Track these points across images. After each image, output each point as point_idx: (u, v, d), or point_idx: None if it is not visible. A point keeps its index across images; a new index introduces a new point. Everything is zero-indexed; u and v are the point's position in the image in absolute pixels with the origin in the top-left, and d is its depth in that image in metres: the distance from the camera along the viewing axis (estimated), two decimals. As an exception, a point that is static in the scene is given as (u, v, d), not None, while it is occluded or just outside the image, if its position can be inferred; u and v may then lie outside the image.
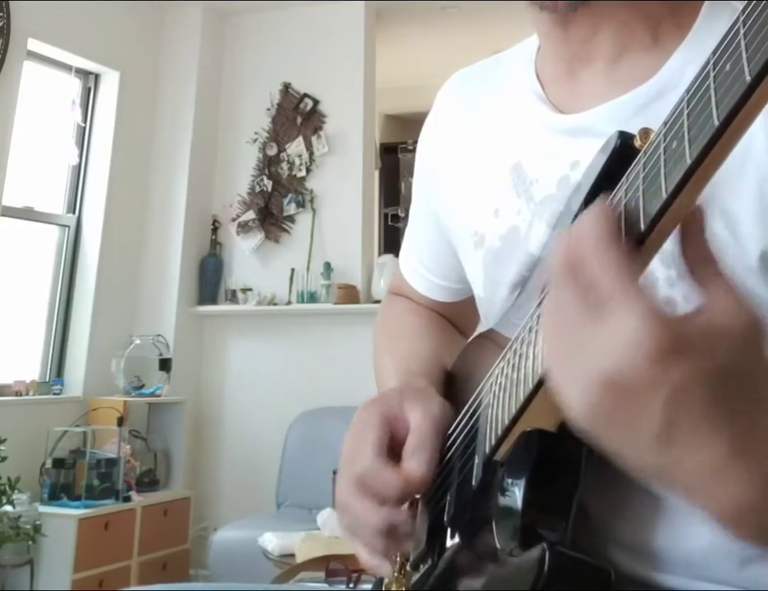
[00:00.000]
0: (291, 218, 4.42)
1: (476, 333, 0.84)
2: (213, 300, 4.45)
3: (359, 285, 4.22)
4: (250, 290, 4.36)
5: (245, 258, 4.46)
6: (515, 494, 0.57)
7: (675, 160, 0.42)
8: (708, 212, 0.43)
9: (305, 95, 4.47)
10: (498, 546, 0.59)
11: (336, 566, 2.63)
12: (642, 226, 0.43)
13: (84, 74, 4.31)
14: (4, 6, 3.71)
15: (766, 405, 0.40)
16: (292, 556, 3.02)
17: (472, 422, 0.67)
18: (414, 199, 0.93)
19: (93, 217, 4.23)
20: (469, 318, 0.92)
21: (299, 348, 4.28)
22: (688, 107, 0.42)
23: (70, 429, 3.79)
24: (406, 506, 0.68)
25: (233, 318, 4.45)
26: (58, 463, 3.65)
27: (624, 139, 0.53)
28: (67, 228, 4.22)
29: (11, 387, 3.77)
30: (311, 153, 4.41)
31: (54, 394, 3.96)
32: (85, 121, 4.29)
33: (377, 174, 5.05)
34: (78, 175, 4.29)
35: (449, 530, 0.67)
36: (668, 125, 0.44)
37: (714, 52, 0.40)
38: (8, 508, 3.32)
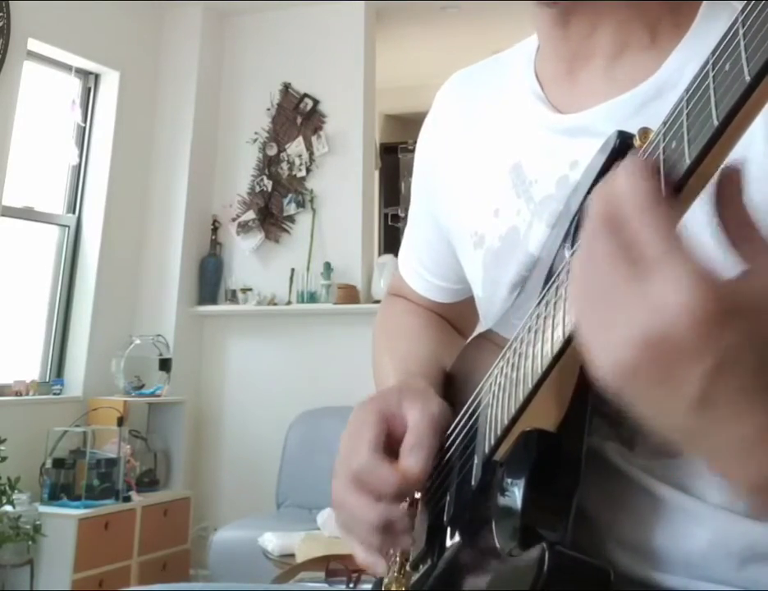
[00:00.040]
0: (291, 218, 4.42)
1: (475, 334, 0.84)
2: (213, 300, 4.45)
3: (359, 285, 4.22)
4: (250, 290, 4.36)
5: (245, 258, 4.46)
6: (515, 494, 0.57)
7: (674, 160, 0.42)
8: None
9: (305, 95, 4.47)
10: (498, 546, 0.58)
11: (335, 566, 2.63)
12: None
13: (84, 74, 4.31)
14: (4, 6, 3.71)
15: None
16: (292, 556, 3.03)
17: (471, 422, 0.67)
18: (413, 200, 0.93)
19: (93, 217, 4.23)
20: (468, 319, 0.92)
21: (299, 348, 4.28)
22: (687, 107, 0.42)
23: (70, 429, 3.79)
24: (404, 504, 0.68)
25: (233, 318, 4.45)
26: (58, 463, 3.65)
27: (624, 138, 0.53)
28: (67, 228, 4.22)
29: (11, 387, 3.77)
30: (311, 153, 4.41)
31: (54, 394, 3.96)
32: (85, 121, 4.29)
33: (377, 174, 5.05)
34: (78, 175, 4.29)
35: (448, 530, 0.67)
36: (667, 125, 0.44)
37: (713, 52, 0.40)
38: (8, 508, 3.32)
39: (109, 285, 4.21)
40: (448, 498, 0.67)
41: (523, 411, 0.57)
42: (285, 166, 4.45)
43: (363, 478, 0.66)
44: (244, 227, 4.45)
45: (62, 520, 3.42)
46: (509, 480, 0.59)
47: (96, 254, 4.18)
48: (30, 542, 3.35)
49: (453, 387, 0.78)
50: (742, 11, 0.38)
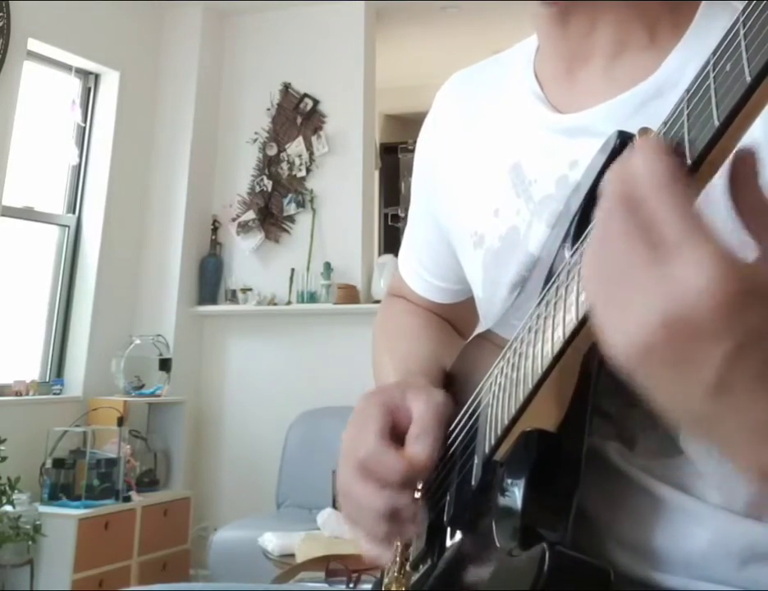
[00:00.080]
0: (291, 218, 4.42)
1: (475, 334, 0.84)
2: (213, 300, 4.45)
3: (359, 285, 4.22)
4: (250, 290, 4.36)
5: (245, 258, 4.46)
6: (515, 494, 0.57)
7: (675, 160, 0.42)
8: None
9: (305, 95, 4.47)
10: (498, 546, 0.59)
11: (336, 566, 2.63)
12: None
13: (84, 74, 4.31)
14: (4, 6, 3.71)
15: None
16: (292, 556, 3.03)
17: (471, 422, 0.67)
18: (413, 200, 0.93)
19: (93, 217, 4.23)
20: (468, 320, 0.92)
21: (299, 348, 4.28)
22: (688, 107, 0.42)
23: (70, 429, 3.79)
24: (411, 492, 0.67)
25: (233, 318, 4.45)
26: (58, 463, 3.65)
27: (624, 138, 0.53)
28: (67, 228, 4.23)
29: (11, 387, 3.77)
30: (311, 153, 4.41)
31: (54, 394, 3.96)
32: (85, 121, 4.29)
33: (377, 174, 5.05)
34: (78, 175, 4.29)
35: (448, 530, 0.67)
36: (668, 125, 0.44)
37: (714, 52, 0.40)
38: (8, 508, 3.32)
39: (109, 285, 4.21)
40: (448, 498, 0.67)
41: (523, 411, 0.57)
42: (285, 166, 4.45)
43: (369, 466, 0.66)
44: (244, 227, 4.45)
45: (62, 520, 3.42)
46: (509, 480, 0.59)
47: (96, 254, 4.18)
48: (30, 542, 3.35)
49: (453, 387, 0.78)
50: (743, 11, 0.38)
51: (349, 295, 4.14)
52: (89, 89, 4.35)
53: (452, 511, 0.66)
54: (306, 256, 4.32)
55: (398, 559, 0.73)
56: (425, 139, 0.89)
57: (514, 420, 0.58)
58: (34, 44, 3.89)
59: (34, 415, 3.75)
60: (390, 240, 5.59)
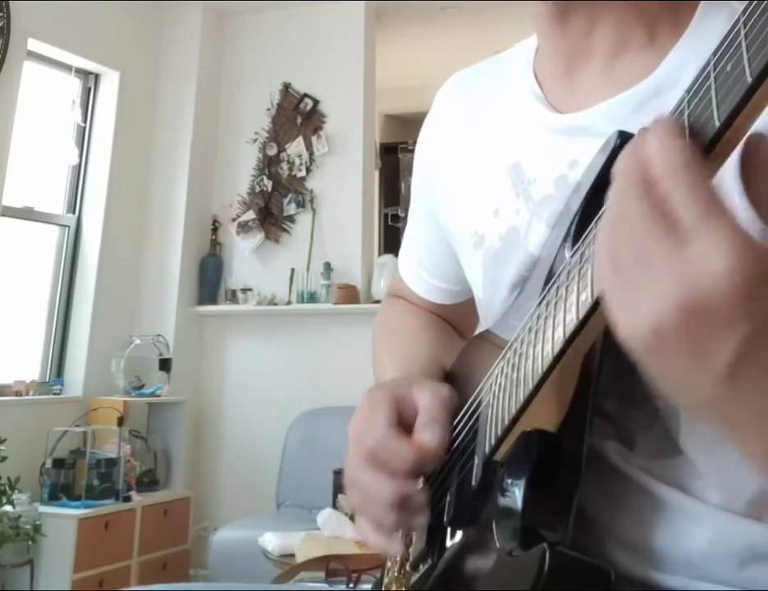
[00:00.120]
0: (291, 218, 4.42)
1: (475, 334, 0.84)
2: (213, 300, 4.45)
3: (359, 285, 4.22)
4: (250, 290, 4.36)
5: (245, 258, 4.46)
6: (515, 494, 0.57)
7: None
8: None
9: (305, 95, 4.47)
10: (498, 546, 0.58)
11: (336, 566, 2.63)
12: None
13: (84, 74, 4.31)
14: (4, 6, 3.71)
15: None
16: (292, 556, 3.02)
17: (471, 422, 0.67)
18: (413, 200, 0.93)
19: (93, 217, 4.23)
20: (468, 321, 0.92)
21: (299, 348, 4.28)
22: (688, 108, 0.42)
23: (70, 429, 3.79)
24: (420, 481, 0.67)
25: (233, 318, 4.45)
26: (58, 463, 3.65)
27: (624, 138, 0.53)
28: (67, 228, 4.22)
29: (11, 387, 3.77)
30: (311, 153, 4.41)
31: (54, 394, 3.96)
32: (85, 121, 4.29)
33: (377, 174, 5.05)
34: (78, 175, 4.29)
35: (449, 530, 0.67)
36: (668, 126, 0.44)
37: (714, 53, 0.40)
38: (8, 508, 3.32)
39: (109, 285, 4.21)
40: (448, 498, 0.67)
41: (523, 411, 0.57)
42: (285, 166, 4.45)
43: (378, 454, 0.65)
44: (244, 227, 4.45)
45: (62, 520, 3.42)
46: (509, 480, 0.59)
47: (96, 254, 4.18)
48: (30, 542, 3.35)
49: (453, 388, 0.78)
50: (744, 11, 0.38)
51: (349, 295, 4.14)
52: (89, 89, 4.35)
53: (452, 511, 0.66)
54: (306, 256, 4.32)
55: (398, 559, 0.73)
56: (425, 139, 0.89)
57: (514, 420, 0.58)
58: (34, 44, 3.89)
59: (34, 415, 3.75)
60: (390, 240, 5.59)
